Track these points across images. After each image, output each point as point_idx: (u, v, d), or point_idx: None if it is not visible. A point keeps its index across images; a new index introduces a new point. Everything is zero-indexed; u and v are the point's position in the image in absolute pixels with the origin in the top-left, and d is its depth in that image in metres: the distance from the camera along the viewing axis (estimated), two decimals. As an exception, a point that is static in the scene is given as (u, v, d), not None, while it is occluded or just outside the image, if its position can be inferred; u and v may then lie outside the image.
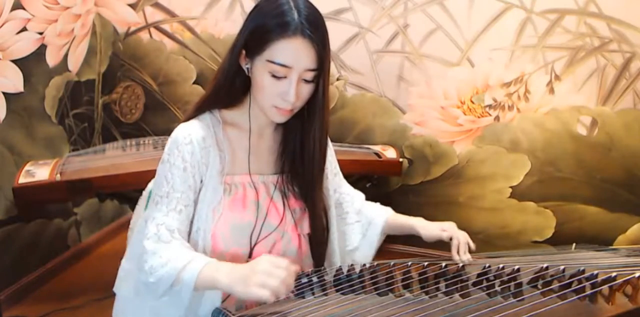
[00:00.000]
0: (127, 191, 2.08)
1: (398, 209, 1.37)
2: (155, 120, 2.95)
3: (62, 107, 2.57)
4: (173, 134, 1.12)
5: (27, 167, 2.12)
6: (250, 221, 1.14)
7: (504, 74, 2.44)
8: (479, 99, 2.50)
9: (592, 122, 2.38)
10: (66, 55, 2.55)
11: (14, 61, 2.23)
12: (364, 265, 1.12)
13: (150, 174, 1.18)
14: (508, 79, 2.44)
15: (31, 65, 2.33)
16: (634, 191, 2.38)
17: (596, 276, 0.94)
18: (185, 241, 1.09)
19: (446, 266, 1.06)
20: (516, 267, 1.00)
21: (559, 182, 2.47)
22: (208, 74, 2.79)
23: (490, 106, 2.50)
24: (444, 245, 1.26)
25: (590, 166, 2.41)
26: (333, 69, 2.62)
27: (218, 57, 2.76)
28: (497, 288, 0.98)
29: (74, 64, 2.63)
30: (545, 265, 0.99)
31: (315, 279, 1.08)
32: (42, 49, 2.38)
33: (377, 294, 1.02)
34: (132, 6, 2.83)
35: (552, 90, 2.40)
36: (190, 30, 2.80)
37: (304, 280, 1.07)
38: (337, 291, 1.04)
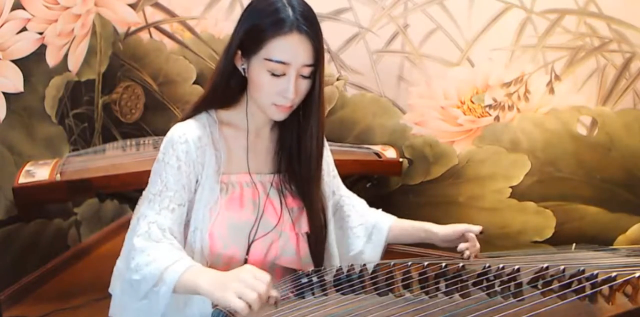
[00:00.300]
0: (127, 191, 2.08)
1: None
2: (155, 120, 2.95)
3: (62, 107, 2.57)
4: (169, 134, 1.13)
5: (27, 167, 2.12)
6: (248, 220, 1.14)
7: (504, 74, 2.44)
8: (479, 99, 2.50)
9: (592, 122, 2.38)
10: (66, 55, 2.55)
11: (14, 61, 2.23)
12: (364, 265, 1.12)
13: (150, 174, 1.18)
14: (508, 79, 2.44)
15: (31, 65, 2.33)
16: (634, 191, 2.38)
17: (596, 276, 0.94)
18: (177, 241, 1.08)
19: (446, 266, 1.06)
20: (516, 267, 1.00)
21: (559, 182, 2.47)
22: (208, 74, 2.79)
23: (490, 106, 2.50)
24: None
25: (590, 166, 2.41)
26: (333, 69, 2.62)
27: (218, 57, 2.75)
28: (497, 288, 0.98)
29: (74, 64, 2.63)
30: (545, 265, 0.99)
31: (315, 279, 1.08)
32: (42, 49, 2.38)
33: (377, 294, 1.02)
34: (132, 6, 2.83)
35: (552, 90, 2.40)
36: (190, 30, 2.80)
37: (304, 280, 1.07)
38: (337, 291, 1.04)
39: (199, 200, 1.12)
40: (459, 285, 1.00)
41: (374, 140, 2.64)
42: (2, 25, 2.15)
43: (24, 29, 2.26)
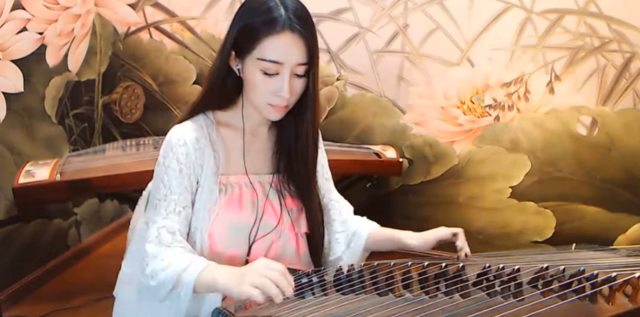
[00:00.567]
0: (127, 191, 2.09)
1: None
2: (155, 120, 2.96)
3: (62, 107, 2.57)
4: (167, 137, 1.13)
5: (27, 167, 2.12)
6: (247, 221, 1.14)
7: (504, 74, 2.44)
8: (479, 99, 2.50)
9: (592, 122, 2.38)
10: (66, 55, 2.56)
11: (14, 61, 2.23)
12: (364, 265, 1.12)
13: (150, 174, 1.18)
14: (508, 79, 2.44)
15: (31, 65, 2.33)
16: (634, 191, 2.38)
17: (596, 276, 0.94)
18: (188, 243, 1.09)
19: (446, 266, 1.06)
20: (516, 267, 1.00)
21: (559, 182, 2.47)
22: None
23: (490, 106, 2.50)
24: (443, 245, 1.26)
25: (590, 165, 2.41)
26: (333, 69, 2.62)
27: (218, 57, 2.76)
28: (497, 288, 0.98)
29: (74, 64, 2.63)
30: (545, 265, 0.99)
31: (315, 279, 1.08)
32: (42, 49, 2.38)
33: (377, 294, 1.02)
34: (132, 6, 2.83)
35: (552, 90, 2.40)
36: (190, 30, 2.80)
37: (304, 280, 1.07)
38: (337, 291, 1.04)
39: (198, 201, 1.13)
40: (459, 285, 1.00)
41: (374, 140, 2.64)
42: (2, 25, 2.15)
43: (24, 29, 2.26)
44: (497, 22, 2.39)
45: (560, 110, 2.40)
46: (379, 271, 1.08)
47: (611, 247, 2.17)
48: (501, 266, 1.03)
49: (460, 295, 0.97)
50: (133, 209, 1.37)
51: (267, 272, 0.93)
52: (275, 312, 0.94)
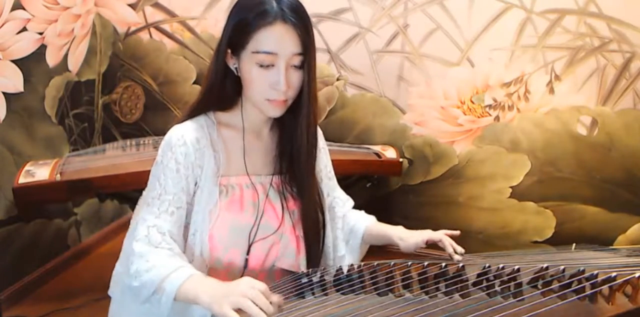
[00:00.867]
0: (127, 191, 2.08)
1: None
2: (155, 120, 2.96)
3: (62, 107, 2.57)
4: (167, 136, 1.12)
5: (27, 167, 2.12)
6: (248, 223, 1.13)
7: (504, 74, 2.44)
8: (479, 99, 2.50)
9: (592, 122, 2.38)
10: (66, 55, 2.56)
11: (14, 61, 2.23)
12: (364, 265, 1.11)
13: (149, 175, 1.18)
14: (508, 79, 2.45)
15: (31, 65, 2.33)
16: (634, 191, 2.38)
17: (596, 276, 0.94)
18: (177, 244, 1.07)
19: (446, 266, 1.05)
20: (516, 267, 1.00)
21: (559, 182, 2.47)
22: (208, 74, 2.79)
23: (490, 106, 2.50)
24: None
25: (590, 165, 2.41)
26: (333, 69, 2.62)
27: (218, 57, 2.76)
28: (497, 288, 0.98)
29: (74, 64, 2.63)
30: (545, 265, 0.99)
31: (315, 279, 1.08)
32: (42, 49, 2.38)
33: (377, 294, 1.02)
34: (132, 6, 2.83)
35: (552, 90, 2.40)
36: (190, 30, 2.80)
37: (304, 280, 1.07)
38: (337, 291, 1.04)
39: (198, 202, 1.11)
40: (459, 285, 1.00)
41: (374, 140, 2.64)
42: (2, 25, 2.15)
43: (24, 29, 2.26)
44: (497, 22, 2.39)
45: (560, 110, 2.40)
46: (378, 271, 1.08)
47: (611, 247, 2.17)
48: (501, 266, 1.03)
49: (460, 295, 0.97)
50: (133, 209, 1.36)
51: (249, 293, 0.90)
52: (275, 312, 0.94)
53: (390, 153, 2.47)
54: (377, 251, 1.35)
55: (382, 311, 0.92)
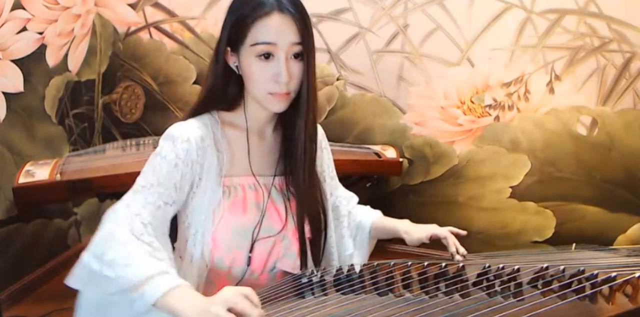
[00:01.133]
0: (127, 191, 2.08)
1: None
2: (155, 120, 2.95)
3: (62, 107, 2.57)
4: (169, 130, 1.10)
5: (27, 167, 2.12)
6: (251, 225, 1.12)
7: (504, 74, 2.44)
8: (479, 99, 2.50)
9: (592, 122, 2.38)
10: (66, 55, 2.55)
11: (14, 61, 2.23)
12: (364, 265, 1.11)
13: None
14: (508, 79, 2.44)
15: (31, 65, 2.33)
16: (634, 191, 2.38)
17: (596, 276, 0.94)
18: (157, 240, 1.00)
19: (446, 266, 1.05)
20: (516, 267, 1.00)
21: (559, 182, 2.47)
22: (208, 74, 2.79)
23: (490, 106, 2.50)
24: (444, 245, 1.26)
25: (590, 165, 2.41)
26: (333, 69, 2.62)
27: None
28: (497, 288, 0.98)
29: (74, 64, 2.63)
30: (545, 265, 0.99)
31: (315, 279, 1.08)
32: (42, 49, 2.38)
33: (377, 294, 1.02)
34: (132, 6, 2.83)
35: (552, 90, 2.40)
36: (190, 30, 2.80)
37: (304, 280, 1.07)
38: (337, 291, 1.04)
39: (200, 202, 1.10)
40: (459, 285, 1.00)
41: (374, 140, 2.64)
42: (2, 25, 2.15)
43: (24, 29, 2.26)
44: (497, 22, 2.39)
45: (560, 110, 2.40)
46: (379, 271, 1.08)
47: (611, 247, 2.17)
48: (501, 266, 1.03)
49: (460, 295, 0.97)
50: (133, 209, 1.35)
51: (233, 300, 0.84)
52: (275, 312, 0.94)
53: (390, 153, 2.47)
54: (377, 251, 1.36)
55: (382, 311, 0.92)
